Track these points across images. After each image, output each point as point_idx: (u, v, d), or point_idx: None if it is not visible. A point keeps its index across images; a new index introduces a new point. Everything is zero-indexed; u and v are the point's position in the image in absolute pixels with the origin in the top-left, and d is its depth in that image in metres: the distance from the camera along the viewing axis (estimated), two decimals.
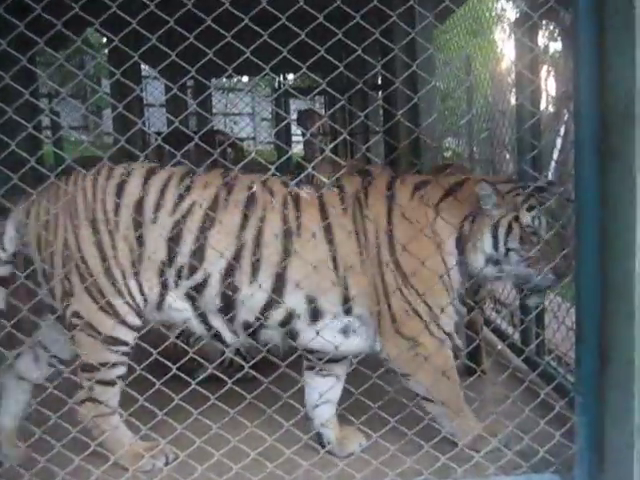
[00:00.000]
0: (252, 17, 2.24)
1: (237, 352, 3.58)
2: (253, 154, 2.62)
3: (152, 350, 2.51)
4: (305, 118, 7.24)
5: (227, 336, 2.69)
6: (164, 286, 2.60)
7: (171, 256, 2.55)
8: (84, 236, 2.53)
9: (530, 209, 2.57)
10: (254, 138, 20.77)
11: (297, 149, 16.08)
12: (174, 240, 2.54)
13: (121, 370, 2.63)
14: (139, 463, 2.62)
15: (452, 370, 2.69)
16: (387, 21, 2.95)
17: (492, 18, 7.35)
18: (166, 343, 2.65)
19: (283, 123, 8.39)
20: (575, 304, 2.36)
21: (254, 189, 2.61)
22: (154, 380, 2.39)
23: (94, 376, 2.60)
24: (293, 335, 2.65)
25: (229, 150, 12.68)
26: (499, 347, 3.82)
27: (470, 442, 2.62)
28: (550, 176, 5.44)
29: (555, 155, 5.63)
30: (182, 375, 2.47)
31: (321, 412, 2.84)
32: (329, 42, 2.40)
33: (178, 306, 2.64)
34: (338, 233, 2.59)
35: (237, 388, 2.40)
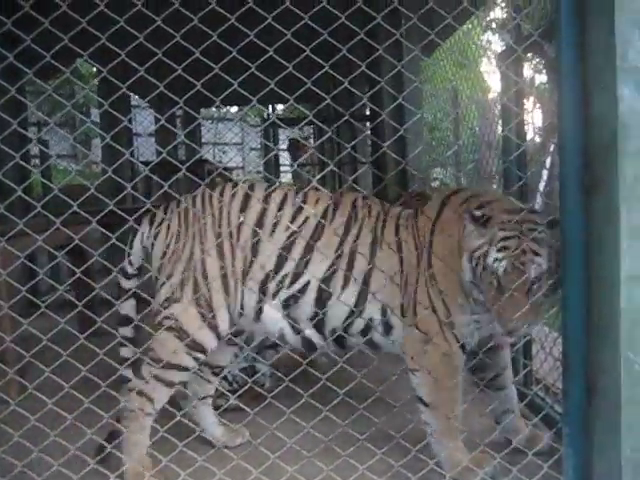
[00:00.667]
0: (241, 49, 2.27)
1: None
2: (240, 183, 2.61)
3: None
4: (294, 148, 7.31)
5: (317, 342, 2.85)
6: (263, 295, 2.79)
7: (278, 267, 2.76)
8: (209, 248, 2.75)
9: (500, 250, 2.45)
10: (243, 168, 20.85)
11: (285, 179, 16.18)
12: (285, 251, 2.76)
13: (185, 377, 2.75)
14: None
15: (456, 386, 2.66)
16: (374, 53, 3.00)
17: (478, 51, 7.47)
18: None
19: (272, 153, 8.43)
20: (562, 335, 2.36)
21: (356, 205, 2.86)
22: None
23: (159, 374, 2.67)
24: (373, 345, 2.83)
25: (217, 180, 12.73)
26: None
27: (457, 474, 2.60)
28: (537, 207, 5.49)
29: (541, 186, 5.68)
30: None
31: None
32: (317, 74, 2.43)
33: (273, 315, 2.81)
34: (404, 248, 2.76)
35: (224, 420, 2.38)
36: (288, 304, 2.79)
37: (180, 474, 2.42)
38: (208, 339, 2.72)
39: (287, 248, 2.76)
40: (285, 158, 13.05)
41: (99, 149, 13.72)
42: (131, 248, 2.92)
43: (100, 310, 3.35)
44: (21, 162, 2.34)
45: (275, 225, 2.79)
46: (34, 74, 2.37)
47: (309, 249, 2.76)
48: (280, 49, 2.29)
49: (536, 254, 2.42)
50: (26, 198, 2.32)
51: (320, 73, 2.31)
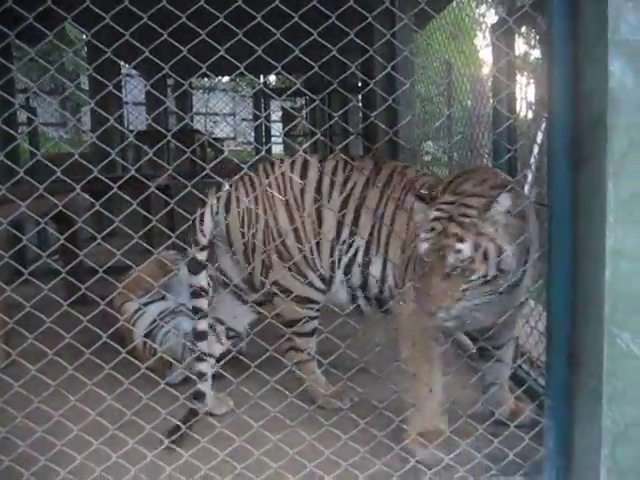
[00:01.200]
0: (232, 16, 2.23)
1: None
2: (226, 153, 2.58)
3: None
4: (287, 118, 7.27)
5: (364, 309, 3.12)
6: (333, 264, 3.04)
7: (338, 234, 2.99)
8: (281, 218, 3.02)
9: (426, 230, 2.39)
10: (234, 138, 20.72)
11: (276, 150, 16.10)
12: (341, 218, 2.97)
13: (314, 324, 3.14)
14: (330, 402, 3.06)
15: (432, 354, 2.66)
16: (364, 21, 2.96)
17: (472, 23, 7.39)
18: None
19: (258, 122, 8.35)
20: (546, 309, 2.37)
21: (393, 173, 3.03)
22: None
23: (294, 330, 3.07)
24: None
25: (208, 149, 12.65)
26: (472, 350, 3.82)
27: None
28: (527, 180, 5.48)
29: (531, 160, 5.67)
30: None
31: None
32: (304, 42, 2.39)
33: (339, 283, 3.08)
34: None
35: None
36: (347, 271, 3.01)
37: (164, 441, 2.43)
38: (312, 294, 3.09)
39: (341, 217, 2.97)
40: (277, 129, 12.98)
41: (89, 117, 13.58)
42: (202, 221, 3.06)
43: (86, 278, 3.33)
44: (5, 127, 2.30)
45: (331, 193, 3.03)
46: (19, 38, 2.32)
47: (357, 216, 2.97)
48: (271, 17, 2.25)
49: (460, 240, 2.33)
50: (11, 165, 2.27)
51: (308, 41, 2.28)
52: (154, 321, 3.82)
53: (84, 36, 13.35)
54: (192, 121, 16.82)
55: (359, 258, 2.98)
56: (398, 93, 2.45)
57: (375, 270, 2.96)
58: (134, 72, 14.61)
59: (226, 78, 20.45)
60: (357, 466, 2.44)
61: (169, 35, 2.22)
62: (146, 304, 4.02)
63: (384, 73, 2.64)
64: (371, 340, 3.10)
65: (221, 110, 20.25)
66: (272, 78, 18.24)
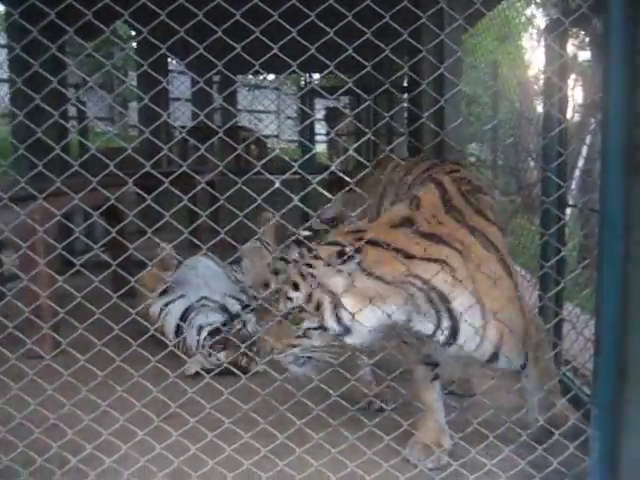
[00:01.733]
0: (281, 14, 2.24)
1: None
2: (277, 151, 2.57)
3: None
4: (332, 117, 7.27)
5: None
6: None
7: None
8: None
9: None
10: (277, 136, 20.81)
11: (320, 148, 16.12)
12: None
13: None
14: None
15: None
16: (416, 22, 2.94)
17: (521, 24, 7.31)
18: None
19: (308, 120, 8.37)
20: (595, 316, 2.33)
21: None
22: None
23: None
24: None
25: (253, 146, 12.73)
26: None
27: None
28: (574, 184, 5.40)
29: (580, 163, 5.58)
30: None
31: None
32: (357, 42, 2.38)
33: None
34: None
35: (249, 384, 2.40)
36: None
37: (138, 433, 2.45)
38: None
39: None
40: (321, 127, 12.98)
41: (135, 112, 13.78)
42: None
43: (134, 271, 3.39)
44: (61, 121, 2.35)
45: None
46: (74, 33, 2.37)
47: None
48: (320, 15, 2.25)
49: (294, 288, 2.36)
50: (65, 157, 2.32)
51: (361, 40, 2.27)
52: (180, 318, 3.93)
53: (132, 32, 13.58)
54: (237, 118, 16.94)
55: None
56: (448, 96, 2.41)
57: None
58: (180, 68, 14.78)
59: (271, 76, 20.57)
60: (398, 468, 2.44)
61: (217, 32, 2.23)
62: (167, 304, 4.08)
63: (436, 74, 2.61)
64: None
65: (266, 107, 20.38)
66: (316, 76, 18.25)
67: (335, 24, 2.25)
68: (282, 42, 2.16)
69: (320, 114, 12.19)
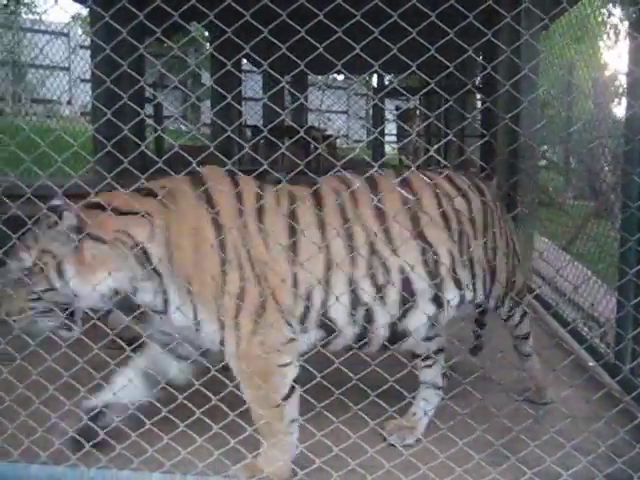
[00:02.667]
0: (362, 15, 2.24)
1: None
2: (357, 150, 2.55)
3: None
4: (405, 118, 7.22)
5: None
6: None
7: None
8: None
9: None
10: (347, 136, 20.84)
11: (389, 149, 16.05)
12: None
13: None
14: None
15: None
16: (492, 20, 2.89)
17: (599, 24, 7.08)
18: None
19: (389, 121, 8.35)
20: None
21: None
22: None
23: None
24: None
25: (323, 146, 12.78)
26: (591, 364, 3.68)
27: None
28: None
29: None
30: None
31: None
32: (434, 41, 2.36)
33: None
34: None
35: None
36: None
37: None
38: None
39: None
40: (391, 129, 12.94)
41: (208, 112, 14.04)
42: None
43: None
44: (146, 119, 2.41)
45: None
46: (151, 34, 2.43)
47: None
48: (400, 16, 2.24)
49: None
50: (148, 153, 2.39)
51: (444, 41, 2.24)
52: None
53: (206, 33, 13.84)
54: (306, 118, 17.06)
55: None
56: (530, 98, 2.35)
57: None
58: (253, 68, 14.99)
59: (341, 76, 20.63)
60: (470, 472, 2.40)
61: (292, 33, 2.25)
62: None
63: (516, 76, 2.56)
64: (494, 346, 3.04)
65: (335, 108, 20.44)
66: (387, 77, 18.19)
67: (411, 24, 2.23)
68: (363, 43, 2.16)
69: (391, 115, 12.16)
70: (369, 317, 2.53)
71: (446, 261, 2.60)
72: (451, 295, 2.65)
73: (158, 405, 2.47)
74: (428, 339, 2.88)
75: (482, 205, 2.79)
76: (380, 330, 2.56)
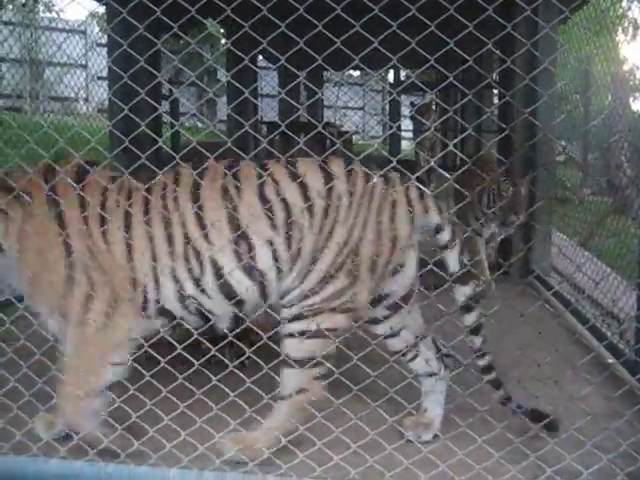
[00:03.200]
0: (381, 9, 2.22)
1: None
2: (375, 146, 2.51)
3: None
4: (422, 113, 7.16)
5: None
6: None
7: None
8: None
9: None
10: (363, 132, 20.80)
11: (403, 145, 16.00)
12: None
13: None
14: None
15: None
16: (509, 14, 2.86)
17: (618, 17, 7.01)
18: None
19: (398, 123, 8.31)
20: None
21: None
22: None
23: None
24: None
25: (339, 142, 12.74)
26: (610, 361, 3.64)
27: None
28: None
29: None
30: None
31: None
32: (450, 36, 2.34)
33: None
34: None
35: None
36: None
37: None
38: None
39: None
40: (408, 124, 12.88)
41: (224, 108, 14.06)
42: None
43: None
44: (163, 114, 2.41)
45: None
46: (166, 30, 2.44)
47: None
48: (418, 10, 2.23)
49: None
50: (165, 148, 2.39)
51: (461, 35, 2.21)
52: None
53: (221, 29, 13.85)
54: (322, 114, 17.03)
55: None
56: (548, 92, 2.31)
57: None
58: (268, 64, 14.98)
59: (356, 72, 20.59)
60: (490, 470, 2.38)
61: (308, 28, 2.24)
62: None
63: (534, 72, 2.54)
64: (513, 343, 3.01)
65: (351, 104, 20.41)
66: (403, 73, 18.13)
67: (432, 18, 2.21)
68: (381, 37, 2.15)
69: (407, 110, 12.11)
70: (202, 307, 2.61)
71: (263, 252, 2.54)
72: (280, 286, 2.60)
73: (175, 401, 2.47)
74: (392, 335, 2.85)
75: (335, 196, 2.54)
76: (221, 320, 2.66)
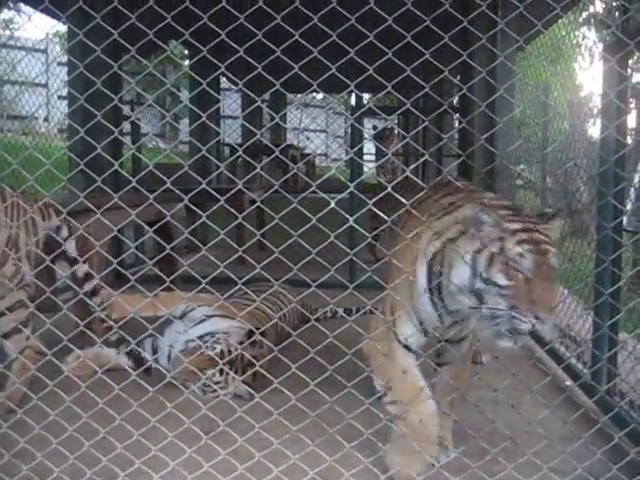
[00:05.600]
0: (337, 35, 2.24)
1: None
2: (333, 171, 2.53)
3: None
4: (383, 137, 7.26)
5: None
6: None
7: None
8: None
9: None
10: (326, 154, 20.92)
11: (366, 168, 16.12)
12: None
13: None
14: None
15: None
16: (468, 42, 2.92)
17: (574, 46, 7.22)
18: None
19: (360, 145, 8.38)
20: None
21: None
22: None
23: None
24: None
25: (301, 164, 12.80)
26: (568, 384, 3.68)
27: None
28: (630, 205, 5.27)
29: (637, 185, 5.46)
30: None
31: None
32: (410, 61, 2.37)
33: None
34: None
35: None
36: None
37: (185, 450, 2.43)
38: None
39: None
40: (370, 148, 13.00)
41: (186, 129, 14.02)
42: None
43: (182, 287, 3.42)
44: (119, 136, 2.39)
45: None
46: (128, 52, 2.42)
47: None
48: (375, 37, 2.25)
49: None
50: (122, 172, 2.36)
51: (420, 62, 2.25)
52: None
53: (185, 51, 13.85)
54: (285, 136, 17.10)
55: None
56: (505, 119, 2.36)
57: None
58: (231, 86, 15.01)
59: (320, 95, 20.74)
60: None
61: (270, 52, 2.24)
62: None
63: (493, 98, 2.58)
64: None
65: (314, 126, 20.52)
66: (365, 96, 18.32)
67: (388, 45, 2.23)
68: (340, 62, 2.16)
69: (369, 134, 12.23)
70: None
71: None
72: None
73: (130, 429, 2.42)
74: None
75: None
76: None
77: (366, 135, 12.28)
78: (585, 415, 2.91)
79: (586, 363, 3.79)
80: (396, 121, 16.44)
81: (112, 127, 2.25)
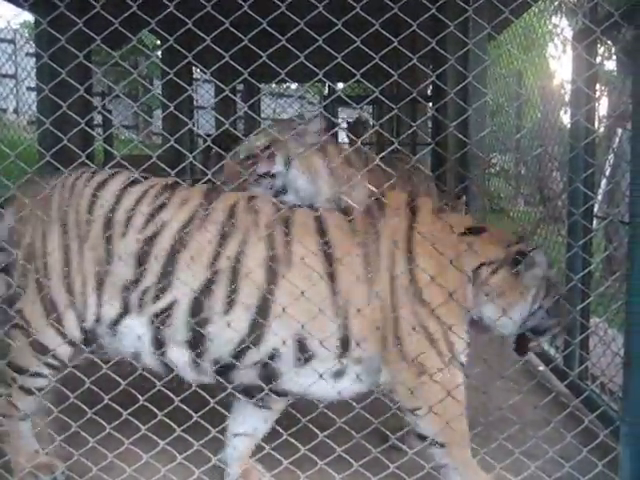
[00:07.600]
0: (305, 23, 2.23)
1: None
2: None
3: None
4: (356, 127, 7.26)
5: (188, 374, 2.40)
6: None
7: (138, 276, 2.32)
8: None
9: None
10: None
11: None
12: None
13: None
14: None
15: (462, 411, 2.33)
16: (440, 30, 2.92)
17: (545, 35, 7.26)
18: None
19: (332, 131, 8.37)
20: (625, 330, 2.28)
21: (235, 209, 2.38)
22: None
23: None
24: (273, 376, 2.34)
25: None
26: (541, 369, 3.72)
27: None
28: (601, 193, 5.33)
29: (607, 172, 5.52)
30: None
31: (239, 443, 2.64)
32: (382, 50, 2.36)
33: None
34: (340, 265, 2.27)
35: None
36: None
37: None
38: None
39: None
40: (344, 137, 12.98)
41: (159, 120, 13.90)
42: None
43: None
44: (86, 128, 2.35)
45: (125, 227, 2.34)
46: (101, 42, 2.38)
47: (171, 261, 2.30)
48: (343, 25, 2.24)
49: None
50: (90, 164, 2.33)
51: (388, 49, 2.24)
52: None
53: (158, 41, 13.70)
54: (259, 126, 17.00)
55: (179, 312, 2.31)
56: (476, 105, 2.35)
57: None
58: (204, 76, 14.89)
59: (294, 85, 20.66)
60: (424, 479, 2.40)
61: (240, 41, 2.22)
62: None
63: (462, 84, 2.58)
64: None
65: (287, 115, 20.44)
66: (339, 85, 18.30)
67: (359, 33, 2.23)
68: (308, 51, 2.15)
69: (343, 123, 12.20)
70: None
71: None
72: None
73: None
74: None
75: None
76: None
77: (341, 124, 12.27)
78: (556, 399, 2.95)
79: (558, 348, 3.84)
80: (370, 110, 16.44)
81: (79, 119, 2.20)
